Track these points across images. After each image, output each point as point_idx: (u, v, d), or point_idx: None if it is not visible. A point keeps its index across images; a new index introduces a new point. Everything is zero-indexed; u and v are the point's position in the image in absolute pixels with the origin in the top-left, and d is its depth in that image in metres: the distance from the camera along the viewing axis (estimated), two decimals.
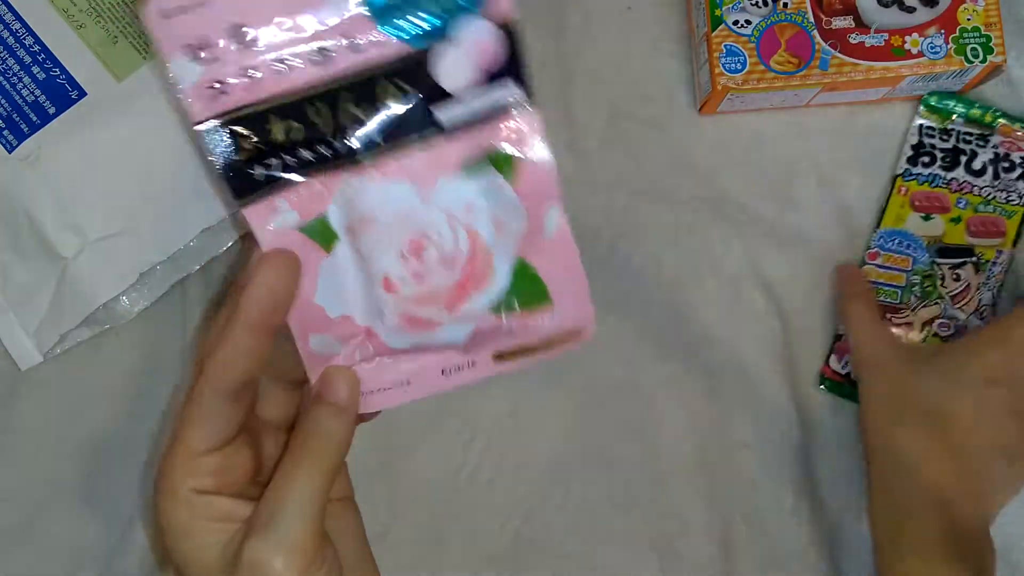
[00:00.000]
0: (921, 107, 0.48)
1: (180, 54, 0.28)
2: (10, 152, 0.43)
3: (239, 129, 0.29)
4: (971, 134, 0.47)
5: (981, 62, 0.46)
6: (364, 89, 0.29)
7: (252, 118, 0.29)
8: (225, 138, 0.29)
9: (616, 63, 0.49)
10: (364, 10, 0.29)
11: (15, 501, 0.45)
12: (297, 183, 0.30)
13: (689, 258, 0.48)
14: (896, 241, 0.47)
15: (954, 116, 0.47)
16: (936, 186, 0.47)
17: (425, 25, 0.29)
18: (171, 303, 0.46)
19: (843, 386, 0.47)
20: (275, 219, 0.30)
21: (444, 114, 0.30)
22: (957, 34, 0.47)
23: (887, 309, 0.47)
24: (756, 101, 0.48)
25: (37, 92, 0.43)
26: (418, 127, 0.30)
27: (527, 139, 0.31)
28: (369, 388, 0.33)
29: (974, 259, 0.47)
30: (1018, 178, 0.47)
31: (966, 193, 0.47)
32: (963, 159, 0.47)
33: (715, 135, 0.49)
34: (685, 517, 0.46)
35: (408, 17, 0.29)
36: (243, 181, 0.30)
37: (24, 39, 0.44)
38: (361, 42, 0.29)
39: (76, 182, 0.43)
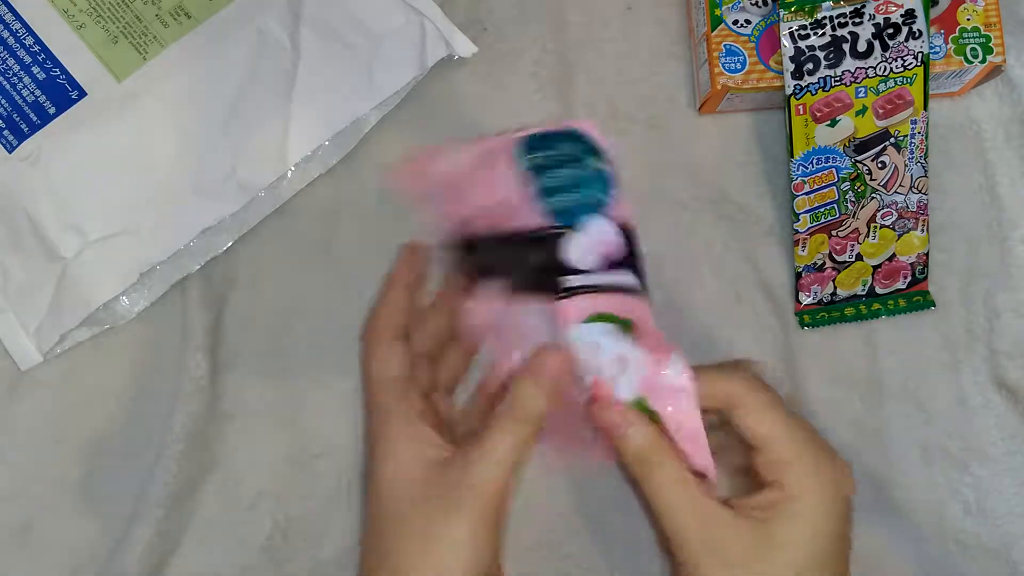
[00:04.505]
0: (782, 12, 0.43)
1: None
2: (10, 152, 0.43)
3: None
4: (844, 15, 0.44)
5: (981, 62, 0.46)
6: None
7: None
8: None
9: (616, 63, 0.50)
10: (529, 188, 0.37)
11: (15, 501, 0.45)
12: None
13: (689, 258, 0.48)
14: (812, 161, 0.45)
15: (821, 4, 0.43)
16: (830, 88, 0.44)
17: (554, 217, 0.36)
18: (171, 303, 0.46)
19: (818, 313, 0.48)
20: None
21: (568, 282, 0.36)
22: (957, 34, 0.47)
23: (830, 226, 0.46)
24: (756, 101, 0.48)
25: (37, 92, 0.43)
26: (549, 288, 0.36)
27: (641, 313, 0.37)
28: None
29: (892, 140, 0.45)
30: (906, 38, 0.44)
31: (862, 81, 0.44)
32: (846, 47, 0.44)
33: (715, 135, 0.49)
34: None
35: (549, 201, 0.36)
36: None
37: (24, 39, 0.44)
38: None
39: (76, 182, 0.43)
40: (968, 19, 0.47)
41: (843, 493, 0.35)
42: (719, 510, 0.34)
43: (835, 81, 0.44)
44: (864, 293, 0.48)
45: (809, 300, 0.48)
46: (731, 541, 0.34)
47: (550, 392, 0.36)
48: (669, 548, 0.35)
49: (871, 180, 0.46)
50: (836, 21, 0.44)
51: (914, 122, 0.46)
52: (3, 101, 0.43)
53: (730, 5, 0.46)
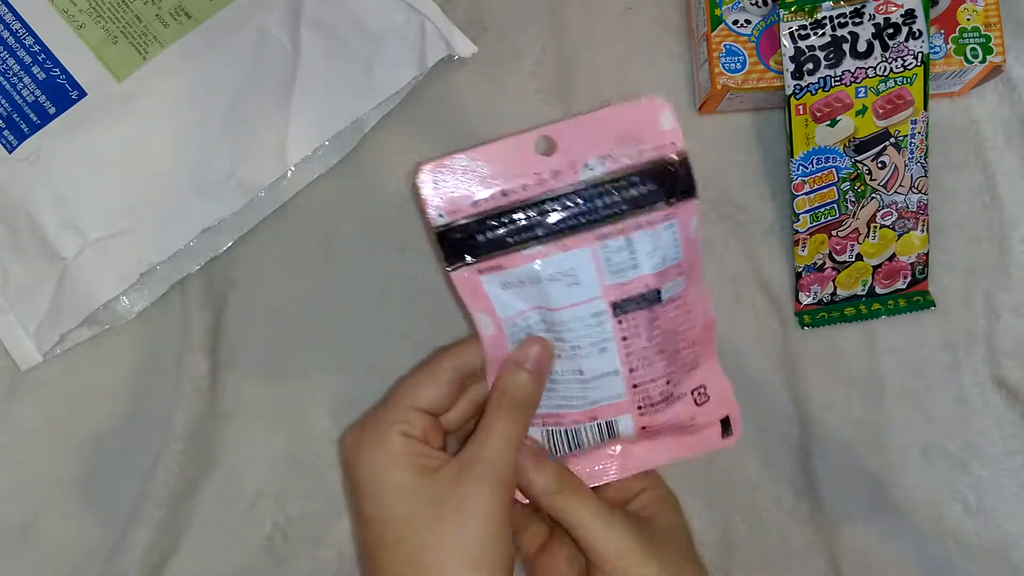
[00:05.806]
0: (782, 12, 0.44)
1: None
2: (10, 152, 0.43)
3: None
4: (844, 15, 0.44)
5: (980, 62, 0.46)
6: None
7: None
8: None
9: (616, 63, 0.50)
10: None
11: (15, 501, 0.45)
12: None
13: None
14: (812, 161, 0.45)
15: (821, 4, 0.44)
16: (830, 88, 0.44)
17: None
18: (171, 303, 0.46)
19: (818, 313, 0.48)
20: None
21: None
22: (957, 34, 0.47)
23: (830, 227, 0.46)
24: (756, 101, 0.48)
25: (37, 92, 0.43)
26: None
27: None
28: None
29: (892, 140, 0.45)
30: (906, 38, 0.44)
31: (862, 81, 0.44)
32: (846, 47, 0.44)
33: (715, 135, 0.49)
34: (685, 516, 0.46)
35: None
36: None
37: (24, 39, 0.44)
38: None
39: (76, 182, 0.43)
40: (968, 19, 0.47)
41: None
42: (624, 520, 0.37)
43: (835, 81, 0.44)
44: (864, 293, 0.48)
45: (809, 300, 0.48)
46: (640, 541, 0.37)
47: (536, 377, 0.36)
48: (586, 555, 0.38)
49: (871, 180, 0.46)
50: (836, 21, 0.44)
51: (914, 122, 0.46)
52: (3, 101, 0.43)
53: (730, 5, 0.46)
